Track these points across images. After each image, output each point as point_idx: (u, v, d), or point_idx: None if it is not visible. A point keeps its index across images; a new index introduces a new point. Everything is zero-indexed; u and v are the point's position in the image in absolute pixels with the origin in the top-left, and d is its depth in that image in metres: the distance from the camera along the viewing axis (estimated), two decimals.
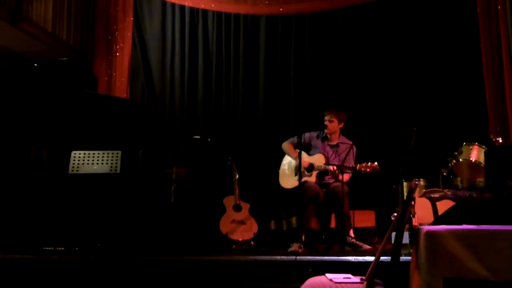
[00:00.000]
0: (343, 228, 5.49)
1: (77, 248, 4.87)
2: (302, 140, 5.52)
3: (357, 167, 5.40)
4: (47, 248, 4.87)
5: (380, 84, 7.01)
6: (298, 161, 5.48)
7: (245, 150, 7.01)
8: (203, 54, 7.36)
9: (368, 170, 5.35)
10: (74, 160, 5.05)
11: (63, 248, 4.86)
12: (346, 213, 5.51)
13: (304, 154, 5.61)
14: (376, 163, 5.34)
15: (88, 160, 5.06)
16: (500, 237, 3.03)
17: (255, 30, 7.40)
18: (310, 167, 5.65)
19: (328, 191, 5.58)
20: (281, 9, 7.34)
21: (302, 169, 5.46)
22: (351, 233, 5.60)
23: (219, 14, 7.42)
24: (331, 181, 5.69)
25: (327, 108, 5.92)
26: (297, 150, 5.72)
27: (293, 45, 7.32)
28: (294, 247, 5.19)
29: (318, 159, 5.70)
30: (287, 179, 5.81)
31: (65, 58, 6.16)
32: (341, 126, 5.86)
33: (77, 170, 5.03)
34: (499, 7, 6.48)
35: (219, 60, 7.37)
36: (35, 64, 5.40)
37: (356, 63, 7.13)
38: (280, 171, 5.92)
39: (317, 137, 5.90)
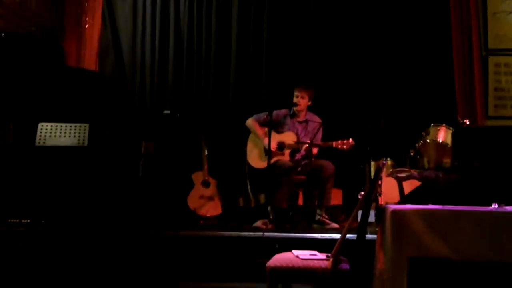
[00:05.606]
0: (322, 203, 5.52)
1: (43, 221, 4.81)
2: (270, 117, 5.52)
3: (334, 145, 5.40)
4: (12, 220, 4.80)
5: (351, 64, 7.01)
6: (264, 139, 5.48)
7: (215, 126, 6.97)
8: (174, 31, 7.22)
9: (345, 147, 5.36)
10: (41, 132, 4.99)
11: (28, 221, 4.80)
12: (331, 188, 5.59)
13: (272, 132, 5.56)
14: (351, 139, 5.36)
15: (56, 132, 5.00)
16: (463, 218, 3.07)
17: (227, 7, 7.30)
18: (281, 146, 5.64)
19: (317, 166, 5.54)
20: None
21: (274, 150, 5.46)
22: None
23: None
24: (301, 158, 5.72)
25: (297, 85, 5.93)
26: (263, 128, 5.72)
27: (266, 23, 7.24)
28: (259, 223, 5.23)
29: (288, 137, 5.69)
30: (258, 160, 5.77)
31: (34, 28, 6.02)
32: (309, 103, 5.87)
33: (44, 142, 4.97)
34: None
35: (191, 37, 7.24)
36: (2, 35, 5.27)
37: (329, 42, 7.10)
38: (248, 148, 5.89)
39: (286, 114, 5.89)
